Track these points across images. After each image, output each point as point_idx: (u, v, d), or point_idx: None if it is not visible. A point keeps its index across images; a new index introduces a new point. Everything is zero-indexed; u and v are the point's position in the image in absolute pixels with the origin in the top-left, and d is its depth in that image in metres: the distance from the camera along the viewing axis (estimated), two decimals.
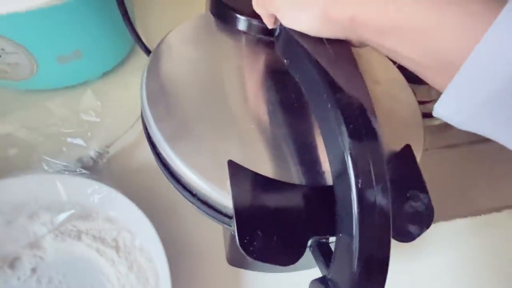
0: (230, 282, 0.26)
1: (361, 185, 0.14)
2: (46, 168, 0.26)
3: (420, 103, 0.40)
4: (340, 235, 0.16)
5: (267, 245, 0.16)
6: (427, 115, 0.40)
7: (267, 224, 0.16)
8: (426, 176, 0.20)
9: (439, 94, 0.16)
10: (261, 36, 0.24)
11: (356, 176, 0.14)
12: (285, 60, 0.21)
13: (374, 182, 0.14)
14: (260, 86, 0.23)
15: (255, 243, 0.16)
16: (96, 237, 0.25)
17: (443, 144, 0.40)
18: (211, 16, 0.26)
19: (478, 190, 0.36)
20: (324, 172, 0.19)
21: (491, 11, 0.12)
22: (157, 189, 0.28)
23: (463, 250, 0.31)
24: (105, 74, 0.37)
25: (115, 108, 0.32)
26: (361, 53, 0.23)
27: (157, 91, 0.21)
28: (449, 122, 0.14)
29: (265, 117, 0.21)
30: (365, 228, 0.14)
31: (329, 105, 0.16)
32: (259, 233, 0.16)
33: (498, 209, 0.34)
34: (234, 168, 0.18)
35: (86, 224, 0.25)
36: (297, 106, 0.22)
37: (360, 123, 0.15)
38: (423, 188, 0.19)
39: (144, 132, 0.22)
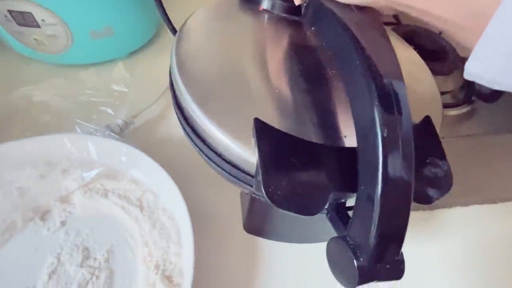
0: (246, 248, 0.27)
1: (387, 149, 0.14)
2: (78, 130, 0.27)
3: None
4: (361, 195, 0.16)
5: (290, 194, 0.17)
6: (443, 106, 0.40)
7: (291, 176, 0.17)
8: None
9: (455, 84, 0.16)
10: (284, 15, 0.25)
11: (383, 141, 0.14)
12: (312, 28, 0.22)
13: (400, 148, 0.14)
14: (283, 58, 0.24)
15: (279, 191, 0.16)
16: (122, 196, 0.26)
17: (458, 134, 0.40)
18: (237, 1, 0.27)
19: (492, 178, 0.35)
20: (345, 137, 0.20)
21: None
22: (180, 157, 0.29)
23: (477, 234, 0.30)
24: (133, 53, 0.38)
25: (142, 83, 0.34)
26: None
27: (186, 60, 0.22)
28: (480, 81, 0.15)
29: (288, 84, 0.22)
30: (388, 191, 0.14)
31: (359, 70, 0.16)
32: (283, 182, 0.17)
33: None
34: (260, 125, 0.18)
35: (113, 184, 0.26)
36: (319, 77, 0.22)
37: (389, 89, 0.15)
38: (442, 156, 0.20)
39: (172, 98, 0.23)
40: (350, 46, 0.17)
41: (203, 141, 0.21)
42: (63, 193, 0.25)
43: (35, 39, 0.32)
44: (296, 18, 0.25)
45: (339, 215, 0.18)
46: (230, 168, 0.20)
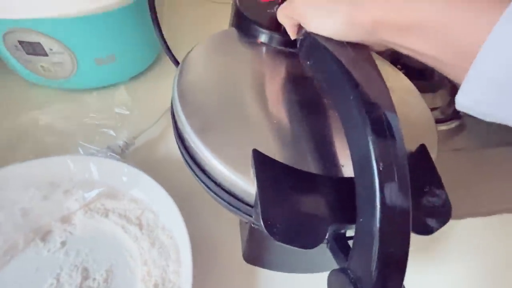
0: (246, 279, 0.26)
1: (383, 179, 0.14)
2: (81, 152, 0.28)
3: None
4: (360, 226, 0.16)
5: (289, 227, 0.17)
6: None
7: (290, 208, 0.17)
8: None
9: (443, 100, 0.17)
10: (281, 47, 0.27)
11: (379, 172, 0.14)
12: (307, 62, 0.23)
13: (396, 177, 0.15)
14: (281, 89, 0.25)
15: (278, 224, 0.17)
16: (122, 215, 0.26)
17: (449, 148, 0.41)
18: (235, 31, 0.29)
19: (486, 191, 0.36)
20: (342, 166, 0.20)
21: (497, 5, 0.13)
22: (179, 178, 0.29)
23: (475, 247, 0.31)
24: (134, 77, 0.40)
25: (142, 105, 0.36)
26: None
27: (187, 92, 0.23)
28: (472, 113, 0.16)
29: (286, 115, 0.23)
30: (386, 221, 0.14)
31: (353, 103, 0.17)
32: (281, 215, 0.17)
33: (506, 211, 0.34)
34: (259, 156, 0.19)
35: (113, 203, 0.27)
36: (315, 107, 0.23)
37: (382, 120, 0.16)
38: (439, 185, 0.20)
39: (173, 127, 0.24)
40: (344, 80, 0.18)
41: (203, 170, 0.21)
42: (65, 213, 0.26)
43: (42, 66, 0.33)
44: (293, 50, 0.26)
45: (339, 245, 0.18)
46: (229, 198, 0.20)
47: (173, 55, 0.36)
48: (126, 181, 0.27)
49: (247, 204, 0.20)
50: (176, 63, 0.36)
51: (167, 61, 0.41)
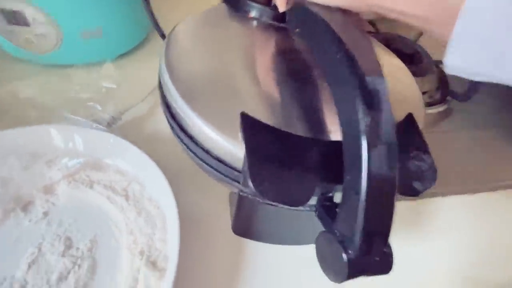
0: (234, 250, 0.26)
1: (370, 142, 0.15)
2: (66, 121, 0.28)
3: None
4: (346, 188, 0.16)
5: (276, 185, 0.17)
6: None
7: (277, 167, 0.17)
8: None
9: (430, 85, 0.17)
10: (270, 21, 0.27)
11: (367, 135, 0.15)
12: (296, 30, 0.23)
13: (383, 141, 0.15)
14: (269, 60, 0.25)
15: (265, 182, 0.17)
16: (107, 186, 0.26)
17: (439, 130, 0.42)
18: (224, 6, 0.29)
19: (471, 170, 0.37)
20: (331, 131, 0.20)
21: None
22: (167, 154, 0.28)
23: (460, 223, 0.32)
24: (123, 55, 0.39)
25: (130, 82, 0.35)
26: None
27: (175, 61, 0.23)
28: (460, 73, 0.16)
29: (274, 83, 0.23)
30: (372, 183, 0.15)
31: (342, 68, 0.17)
32: (269, 173, 0.17)
33: (492, 189, 0.35)
34: (247, 119, 0.19)
35: (98, 175, 0.26)
36: (303, 76, 0.24)
37: (370, 84, 0.16)
38: (426, 150, 0.21)
39: (160, 97, 0.23)
40: (334, 45, 0.18)
41: (191, 137, 0.21)
42: (47, 183, 0.25)
43: (26, 38, 0.32)
44: (283, 25, 0.27)
45: (328, 212, 0.18)
46: (218, 164, 0.20)
47: (161, 29, 0.35)
48: (112, 152, 0.26)
49: (236, 170, 0.20)
50: (164, 37, 0.35)
51: (156, 41, 0.40)
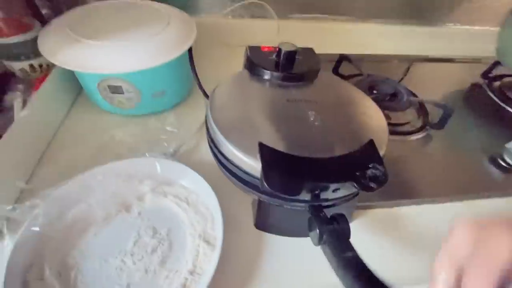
0: (256, 241, 0.39)
1: None
2: (147, 155, 0.43)
3: (396, 125, 0.56)
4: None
5: (281, 184, 0.30)
6: (404, 133, 0.56)
7: (281, 174, 0.30)
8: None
9: (411, 116, 0.31)
10: (279, 82, 0.42)
11: None
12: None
13: None
14: (278, 106, 0.39)
15: (273, 181, 0.30)
16: (175, 196, 0.40)
17: (421, 153, 0.52)
18: (247, 71, 0.44)
19: (444, 183, 0.47)
20: (316, 152, 0.33)
21: None
22: (211, 176, 0.43)
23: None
24: (176, 105, 0.56)
25: (184, 125, 0.50)
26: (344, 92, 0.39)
27: (216, 110, 0.38)
28: None
29: (282, 121, 0.37)
30: None
31: None
32: (276, 176, 0.30)
33: (463, 199, 0.45)
34: (263, 146, 0.33)
35: (170, 189, 0.41)
36: (301, 116, 0.37)
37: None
38: (381, 163, 0.32)
39: (206, 133, 0.38)
40: None
41: (226, 158, 0.35)
42: (140, 194, 0.40)
43: (119, 101, 0.49)
44: (287, 84, 0.41)
45: (315, 210, 0.32)
46: (244, 176, 0.34)
47: (203, 89, 0.51)
48: (178, 174, 0.41)
49: (255, 178, 0.33)
50: (206, 95, 0.51)
51: (195, 96, 0.56)
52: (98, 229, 0.37)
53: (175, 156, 0.45)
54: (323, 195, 0.32)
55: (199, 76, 0.51)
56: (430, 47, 0.75)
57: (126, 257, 0.34)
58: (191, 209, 0.39)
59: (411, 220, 0.42)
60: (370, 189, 0.31)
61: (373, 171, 0.32)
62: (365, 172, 0.32)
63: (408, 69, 0.62)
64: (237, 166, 0.34)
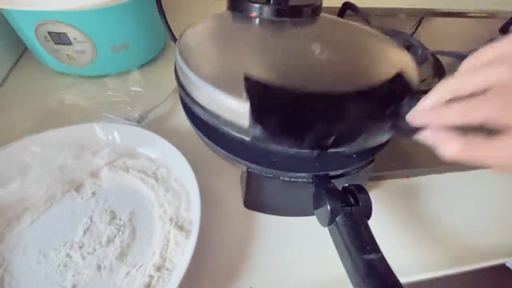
0: (245, 221, 0.31)
1: None
2: (102, 122, 0.34)
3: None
4: None
5: (276, 130, 0.21)
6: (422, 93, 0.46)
7: (276, 115, 0.22)
8: None
9: (427, 73, 0.20)
10: (270, 17, 0.32)
11: None
12: None
13: None
14: (269, 41, 0.30)
15: (268, 129, 0.21)
16: (140, 170, 0.31)
17: None
18: (229, 12, 0.34)
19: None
20: (318, 85, 0.24)
21: None
22: (186, 144, 0.34)
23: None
24: (144, 65, 0.46)
25: (153, 87, 0.41)
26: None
27: (186, 49, 0.28)
28: None
29: (279, 58, 0.28)
30: None
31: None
32: (270, 119, 0.21)
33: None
34: (251, 80, 0.23)
35: (133, 162, 0.32)
36: (295, 50, 0.29)
37: None
38: (417, 98, 0.23)
39: (176, 78, 0.29)
40: None
41: (202, 107, 0.25)
42: (93, 169, 0.31)
43: (67, 55, 0.39)
44: (279, 19, 0.32)
45: (321, 181, 0.24)
46: (225, 127, 0.24)
47: (175, 37, 0.41)
48: (143, 143, 0.32)
49: (240, 128, 0.23)
50: (175, 39, 0.40)
51: (170, 53, 0.46)
52: (35, 215, 0.28)
53: (141, 123, 0.36)
54: (334, 150, 0.24)
55: (175, 29, 0.41)
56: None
57: (73, 250, 0.26)
58: (160, 186, 0.30)
59: (431, 191, 0.35)
60: (409, 132, 0.22)
61: (408, 108, 0.24)
62: (399, 109, 0.23)
63: (419, 23, 0.54)
64: (216, 116, 0.24)
